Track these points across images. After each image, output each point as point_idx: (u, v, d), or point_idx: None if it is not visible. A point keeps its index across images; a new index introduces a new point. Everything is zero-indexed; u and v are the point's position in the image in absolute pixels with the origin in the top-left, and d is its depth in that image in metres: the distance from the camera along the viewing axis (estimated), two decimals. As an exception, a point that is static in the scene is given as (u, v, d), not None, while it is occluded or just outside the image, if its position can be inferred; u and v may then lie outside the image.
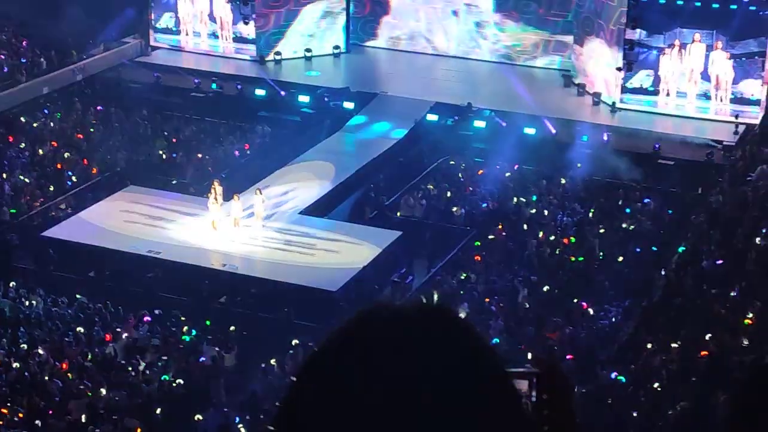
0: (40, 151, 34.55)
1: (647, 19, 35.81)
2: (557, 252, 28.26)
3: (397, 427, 1.67)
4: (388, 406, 1.67)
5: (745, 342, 22.03)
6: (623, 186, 31.81)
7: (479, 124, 35.67)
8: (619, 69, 36.60)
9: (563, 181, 32.32)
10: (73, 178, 33.21)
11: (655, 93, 36.63)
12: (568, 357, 23.26)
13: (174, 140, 35.87)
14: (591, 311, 25.44)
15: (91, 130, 36.33)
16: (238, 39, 42.03)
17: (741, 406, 2.45)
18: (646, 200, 31.03)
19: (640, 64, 36.47)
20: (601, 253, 28.13)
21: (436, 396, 1.68)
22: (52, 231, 29.56)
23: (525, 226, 29.74)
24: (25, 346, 24.09)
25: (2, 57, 40.00)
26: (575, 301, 25.80)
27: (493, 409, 1.73)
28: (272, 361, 23.50)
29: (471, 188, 32.58)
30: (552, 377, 2.06)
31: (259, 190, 29.94)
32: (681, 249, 27.50)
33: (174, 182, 32.94)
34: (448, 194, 32.17)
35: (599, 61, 37.97)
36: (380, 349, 1.72)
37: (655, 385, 20.74)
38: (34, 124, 36.40)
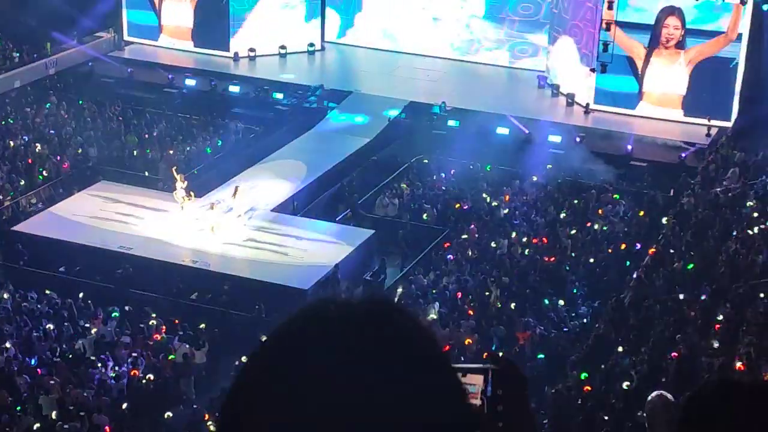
0: (11, 145, 34.31)
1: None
2: (529, 252, 28.31)
3: (339, 424, 1.65)
4: (329, 402, 1.65)
5: (715, 344, 22.16)
6: (595, 187, 31.92)
7: (452, 123, 35.73)
8: (592, 70, 36.72)
9: (536, 180, 32.38)
10: (44, 173, 33.01)
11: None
12: (539, 357, 23.34)
13: (146, 136, 35.72)
14: (562, 311, 25.51)
15: (63, 124, 36.11)
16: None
17: (695, 417, 2.45)
18: (617, 201, 31.13)
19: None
20: (573, 254, 28.21)
21: (378, 390, 1.66)
22: (23, 225, 29.38)
23: (497, 226, 29.78)
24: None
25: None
26: (546, 301, 25.87)
27: (437, 404, 1.71)
28: (243, 359, 23.37)
29: (444, 187, 32.60)
30: (506, 372, 2.06)
31: (236, 188, 29.85)
32: (652, 250, 27.61)
33: (146, 177, 32.77)
34: (421, 193, 32.20)
35: (571, 62, 38.10)
36: (322, 344, 1.71)
37: (625, 385, 20.80)
38: (9, 120, 36.17)
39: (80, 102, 37.65)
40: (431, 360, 1.74)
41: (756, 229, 27.32)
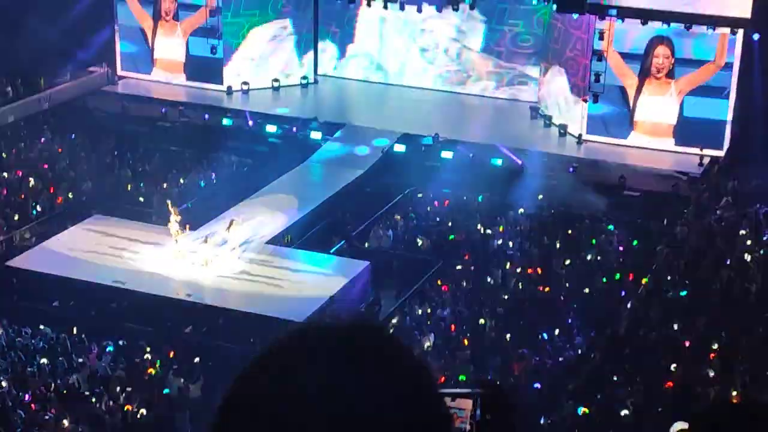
0: (5, 179, 34.30)
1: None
2: (523, 283, 28.30)
3: None
4: (312, 426, 1.66)
5: (711, 373, 22.15)
6: (589, 217, 31.97)
7: (446, 155, 35.80)
8: (584, 100, 36.87)
9: (528, 211, 32.42)
10: (38, 208, 32.99)
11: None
12: (535, 385, 23.29)
13: (140, 169, 35.74)
14: (557, 341, 25.47)
15: (57, 159, 36.12)
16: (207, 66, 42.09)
17: None
18: (611, 231, 31.15)
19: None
20: (567, 284, 28.21)
21: (364, 413, 1.66)
22: (16, 260, 29.32)
23: (491, 257, 29.79)
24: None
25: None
26: (542, 333, 25.84)
27: (424, 429, 1.72)
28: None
29: (438, 219, 32.63)
30: (494, 398, 2.07)
31: (232, 221, 29.83)
32: (646, 280, 27.63)
33: (140, 211, 32.75)
34: (415, 224, 32.22)
35: (563, 92, 38.25)
36: (308, 366, 1.71)
37: (622, 414, 20.78)
38: (3, 154, 36.19)
39: (72, 137, 37.65)
40: (424, 386, 1.75)
41: (749, 258, 27.38)
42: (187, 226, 29.42)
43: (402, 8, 38.03)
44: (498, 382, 2.17)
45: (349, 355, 1.72)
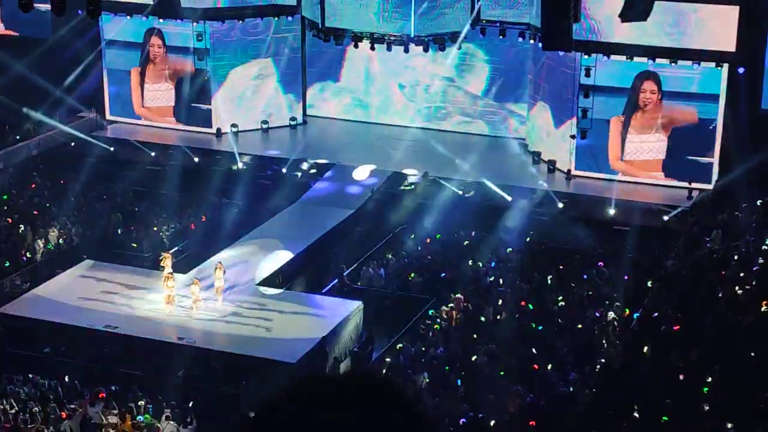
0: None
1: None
2: (516, 319, 28.27)
3: None
4: None
5: (706, 407, 22.09)
6: (579, 252, 32.01)
7: (436, 192, 35.85)
8: (572, 137, 37.03)
9: (519, 247, 32.46)
10: (28, 254, 32.92)
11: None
12: (530, 423, 23.20)
13: (130, 214, 35.71)
14: (551, 377, 25.40)
15: (46, 205, 36.10)
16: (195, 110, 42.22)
17: None
18: (602, 266, 31.17)
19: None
20: (560, 320, 28.18)
21: None
22: (7, 307, 29.19)
23: (483, 294, 29.77)
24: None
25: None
26: (535, 368, 25.78)
27: None
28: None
29: (429, 256, 32.64)
30: None
31: (220, 264, 29.73)
32: (636, 315, 27.62)
33: (130, 255, 32.70)
34: (407, 263, 32.22)
35: (550, 128, 38.42)
36: (308, 424, 1.72)
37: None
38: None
39: (62, 182, 37.64)
40: None
41: (740, 291, 27.38)
42: (172, 277, 29.26)
43: (389, 49, 38.20)
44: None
45: (352, 406, 1.73)
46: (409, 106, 42.68)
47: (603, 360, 25.71)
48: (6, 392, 25.31)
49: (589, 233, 32.85)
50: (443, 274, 31.34)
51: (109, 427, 23.73)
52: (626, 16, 30.26)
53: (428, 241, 33.47)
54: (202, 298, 28.72)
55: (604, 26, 35.00)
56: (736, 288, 27.42)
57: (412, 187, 36.62)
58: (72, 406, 24.65)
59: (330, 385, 1.79)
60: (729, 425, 21.20)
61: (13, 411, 24.39)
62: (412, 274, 31.32)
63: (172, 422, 23.98)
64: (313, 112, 43.72)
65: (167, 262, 29.12)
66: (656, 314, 26.99)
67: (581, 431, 22.24)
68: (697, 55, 34.80)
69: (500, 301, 29.14)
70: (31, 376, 26.00)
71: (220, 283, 29.26)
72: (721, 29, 34.31)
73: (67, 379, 25.71)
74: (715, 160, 35.91)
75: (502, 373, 25.46)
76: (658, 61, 35.35)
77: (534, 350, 26.51)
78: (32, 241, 33.44)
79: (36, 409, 24.40)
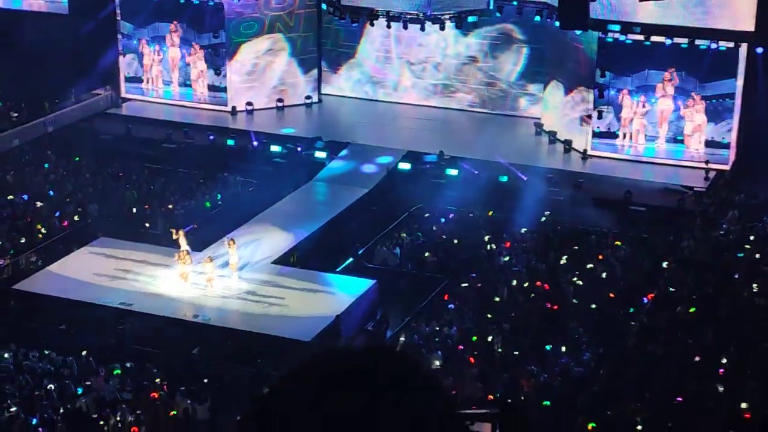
0: (11, 203, 34.33)
1: (615, 63, 36.19)
2: (530, 299, 28.24)
3: None
4: None
5: (720, 388, 22.06)
6: (595, 233, 31.93)
7: (452, 172, 35.82)
8: (589, 116, 36.87)
9: (534, 228, 32.40)
10: (43, 231, 33.00)
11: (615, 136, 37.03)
12: (544, 404, 23.19)
13: (145, 191, 35.76)
14: (565, 358, 25.39)
15: (62, 182, 36.16)
16: (212, 88, 42.14)
17: None
18: (618, 246, 31.09)
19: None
20: (575, 300, 28.14)
21: None
22: (23, 284, 29.31)
23: (498, 274, 29.75)
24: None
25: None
26: (549, 348, 25.76)
27: None
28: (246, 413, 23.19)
29: (444, 236, 32.60)
30: (513, 418, 2.05)
31: (232, 241, 29.76)
32: (650, 295, 27.56)
33: (145, 233, 32.75)
34: (422, 242, 32.20)
35: (567, 108, 38.27)
36: (326, 397, 1.69)
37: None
38: (8, 178, 36.25)
39: (76, 159, 37.71)
40: (438, 410, 1.72)
41: (757, 271, 27.31)
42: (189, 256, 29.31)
43: (405, 27, 38.00)
44: (512, 403, 2.13)
45: (369, 381, 1.70)
46: (425, 85, 42.51)
47: (617, 340, 25.65)
48: (22, 368, 25.43)
49: (604, 213, 32.75)
50: (462, 256, 31.24)
51: (124, 404, 23.80)
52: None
53: (448, 218, 33.39)
54: (216, 276, 28.77)
55: (627, 6, 34.58)
56: (754, 269, 27.35)
57: (428, 166, 36.55)
58: (87, 383, 24.75)
59: (348, 358, 1.75)
60: (744, 405, 21.16)
61: (29, 387, 24.51)
62: (427, 254, 31.33)
63: (186, 400, 24.06)
64: (328, 90, 43.64)
65: (182, 239, 29.14)
66: (671, 295, 26.93)
67: (595, 411, 22.22)
68: (715, 35, 34.52)
69: (514, 281, 29.09)
70: (47, 352, 26.11)
71: (234, 259, 29.26)
72: (741, 8, 33.99)
73: (83, 355, 25.80)
74: (732, 140, 35.72)
75: (516, 353, 25.45)
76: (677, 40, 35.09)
77: (548, 330, 26.48)
78: (47, 219, 33.51)
79: (51, 386, 24.51)
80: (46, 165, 37.31)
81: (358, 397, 1.68)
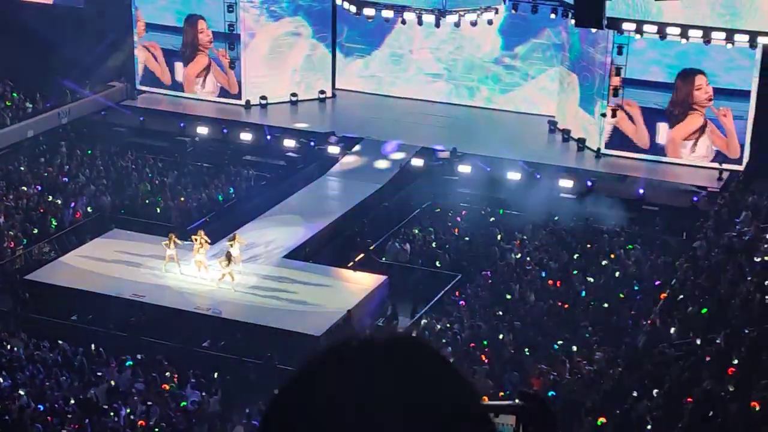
0: (24, 194, 34.41)
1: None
2: (542, 297, 28.21)
3: None
4: None
5: (731, 388, 22.00)
6: (608, 232, 31.88)
7: (464, 169, 35.78)
8: (603, 115, 36.78)
9: (546, 226, 32.36)
10: (56, 222, 33.07)
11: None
12: (550, 394, 23.13)
13: (157, 183, 35.81)
14: (576, 356, 25.36)
15: (76, 173, 36.23)
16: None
17: None
18: (630, 246, 31.03)
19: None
20: (586, 298, 28.09)
21: (407, 426, 1.64)
22: (35, 274, 29.40)
23: (509, 271, 29.72)
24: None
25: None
26: (559, 346, 25.73)
27: None
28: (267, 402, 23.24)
29: (456, 233, 32.59)
30: (537, 411, 2.05)
31: (235, 236, 29.64)
32: (663, 294, 27.50)
33: (158, 225, 32.79)
34: (433, 238, 32.18)
35: (581, 106, 38.18)
36: (350, 379, 1.69)
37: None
38: (22, 169, 36.34)
39: (89, 152, 37.78)
40: (466, 398, 1.73)
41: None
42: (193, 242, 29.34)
43: (420, 22, 37.81)
44: (539, 395, 2.14)
45: (392, 370, 1.70)
46: (439, 81, 42.46)
47: (628, 339, 25.61)
48: (33, 358, 25.51)
49: (617, 212, 32.68)
50: (473, 254, 31.25)
51: (135, 394, 23.86)
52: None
53: (462, 215, 33.37)
54: (227, 271, 28.78)
55: (650, 6, 34.40)
56: (765, 269, 27.25)
57: (440, 162, 36.53)
58: (98, 374, 24.82)
59: (368, 345, 1.75)
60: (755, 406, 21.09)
61: (40, 377, 24.58)
62: (438, 260, 31.25)
63: (197, 392, 24.11)
64: (342, 85, 43.61)
65: (202, 237, 28.97)
66: (683, 295, 26.87)
67: (606, 410, 22.19)
68: (730, 33, 34.33)
69: (527, 279, 29.06)
70: (60, 342, 26.19)
71: (236, 252, 29.12)
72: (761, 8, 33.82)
73: (93, 346, 25.87)
74: (747, 140, 35.62)
75: (527, 351, 25.43)
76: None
77: (559, 329, 26.46)
78: (61, 209, 33.59)
79: (63, 377, 24.58)
80: (60, 157, 37.38)
81: (380, 387, 1.69)
